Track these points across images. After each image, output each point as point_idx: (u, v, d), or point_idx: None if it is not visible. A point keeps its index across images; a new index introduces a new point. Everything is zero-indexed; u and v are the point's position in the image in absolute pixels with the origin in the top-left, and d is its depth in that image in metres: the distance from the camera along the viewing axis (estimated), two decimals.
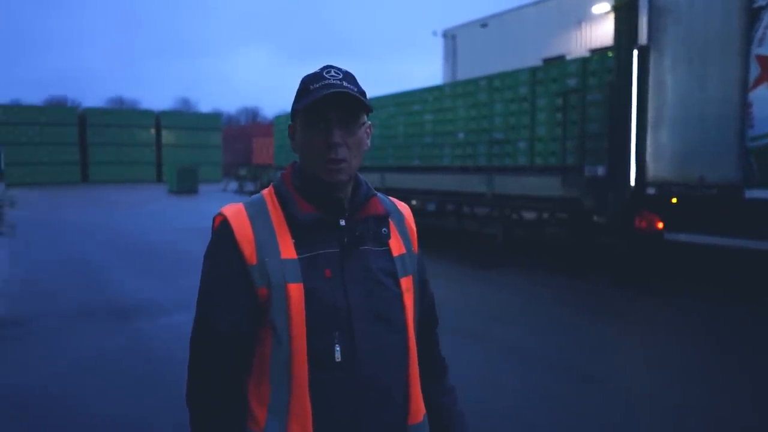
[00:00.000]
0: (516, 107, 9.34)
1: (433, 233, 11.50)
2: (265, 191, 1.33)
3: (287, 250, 1.23)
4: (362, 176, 1.39)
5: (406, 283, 1.35)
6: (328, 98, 1.22)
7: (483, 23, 18.71)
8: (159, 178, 36.36)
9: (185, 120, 40.08)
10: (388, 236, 1.35)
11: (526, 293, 7.34)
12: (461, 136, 10.44)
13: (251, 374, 1.27)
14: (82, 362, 4.75)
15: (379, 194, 1.42)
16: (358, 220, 1.31)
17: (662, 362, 4.80)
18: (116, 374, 4.51)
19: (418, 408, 1.36)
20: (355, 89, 1.27)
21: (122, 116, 37.57)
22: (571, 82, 8.41)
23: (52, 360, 4.83)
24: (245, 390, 1.27)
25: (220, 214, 1.27)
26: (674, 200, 7.21)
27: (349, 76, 1.29)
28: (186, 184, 26.92)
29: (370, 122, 1.34)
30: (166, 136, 37.95)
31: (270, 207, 1.29)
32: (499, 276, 8.30)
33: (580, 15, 15.00)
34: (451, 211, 11.28)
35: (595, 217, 8.45)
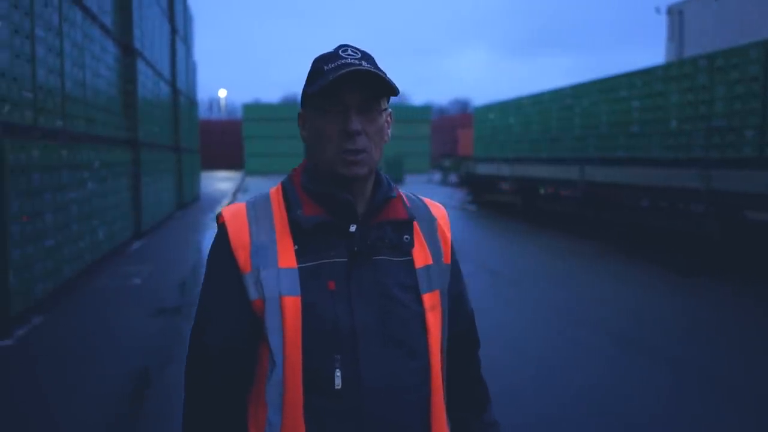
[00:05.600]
0: (743, 89, 7.94)
1: (638, 234, 10.41)
2: (273, 189, 1.19)
3: (287, 257, 1.08)
4: (383, 173, 1.19)
5: (431, 300, 1.14)
6: (345, 78, 1.05)
7: None
8: None
9: (397, 113, 41.73)
10: (410, 244, 1.14)
11: (738, 309, 6.22)
12: (673, 124, 9.24)
13: (250, 396, 1.14)
14: None
15: (408, 195, 1.22)
16: (372, 226, 1.12)
17: None
18: None
19: None
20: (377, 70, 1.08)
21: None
22: None
23: None
24: (243, 413, 1.14)
25: (220, 214, 1.16)
26: None
27: (367, 57, 1.11)
28: (392, 175, 28.21)
29: (390, 110, 1.15)
30: None
31: (275, 208, 1.14)
32: (706, 286, 7.16)
33: None
34: (654, 208, 10.07)
35: None
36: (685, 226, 9.05)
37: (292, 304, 1.05)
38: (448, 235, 1.24)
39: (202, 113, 52.01)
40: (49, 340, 4.97)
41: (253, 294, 1.08)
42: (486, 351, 4.98)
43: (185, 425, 1.16)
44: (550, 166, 12.76)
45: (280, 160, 37.68)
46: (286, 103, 50.15)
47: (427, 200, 1.27)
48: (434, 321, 1.14)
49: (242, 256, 1.09)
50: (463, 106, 70.14)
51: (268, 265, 1.07)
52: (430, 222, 1.22)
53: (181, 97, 15.97)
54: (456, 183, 24.34)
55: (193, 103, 19.25)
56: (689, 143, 8.90)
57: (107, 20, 8.66)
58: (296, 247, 1.09)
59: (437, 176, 31.23)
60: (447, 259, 1.22)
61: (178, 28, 15.76)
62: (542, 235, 11.50)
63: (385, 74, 1.09)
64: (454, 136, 36.01)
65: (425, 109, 42.99)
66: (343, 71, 1.05)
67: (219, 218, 1.15)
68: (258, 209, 1.14)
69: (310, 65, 1.14)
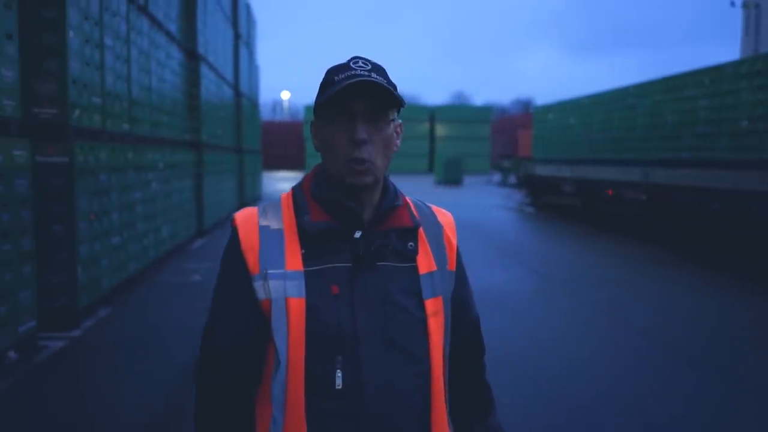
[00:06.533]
0: None
1: (701, 238, 9.98)
2: (284, 195, 1.24)
3: (294, 261, 1.12)
4: (391, 181, 1.22)
5: (434, 306, 1.16)
6: (352, 88, 1.09)
7: None
8: (430, 169, 38.58)
9: (457, 113, 41.72)
10: (414, 251, 1.17)
11: None
12: (745, 123, 8.79)
13: (258, 395, 1.19)
14: None
15: (416, 202, 1.25)
16: (377, 233, 1.15)
17: None
18: None
19: None
20: (385, 81, 1.12)
21: (401, 111, 40.73)
22: None
23: None
24: (252, 412, 1.19)
25: (233, 218, 1.21)
26: None
27: (378, 68, 1.15)
28: (451, 176, 28.01)
29: (400, 121, 1.18)
30: (440, 129, 40.04)
31: (285, 213, 1.19)
32: (755, 290, 6.79)
33: None
34: (722, 212, 9.61)
35: None
36: (755, 229, 8.60)
37: (297, 306, 1.09)
38: (454, 241, 1.26)
39: (266, 115, 53.40)
40: (112, 332, 5.26)
41: (261, 295, 1.12)
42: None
43: (196, 423, 1.22)
44: (611, 168, 12.38)
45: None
46: None
47: (434, 207, 1.30)
48: (436, 327, 1.16)
49: (252, 258, 1.14)
50: (524, 106, 68.78)
51: (275, 268, 1.12)
52: (436, 229, 1.24)
53: (243, 99, 16.45)
54: (515, 184, 23.96)
55: (255, 105, 19.78)
56: (762, 144, 8.45)
57: (173, 27, 9.03)
58: (303, 251, 1.13)
59: (497, 177, 30.86)
60: (452, 265, 1.24)
61: (241, 32, 16.24)
62: (600, 238, 11.18)
63: (393, 87, 1.13)
64: (513, 136, 35.49)
65: (485, 110, 42.60)
66: (350, 81, 1.09)
67: (232, 222, 1.20)
68: (269, 214, 1.19)
69: (324, 75, 1.18)
